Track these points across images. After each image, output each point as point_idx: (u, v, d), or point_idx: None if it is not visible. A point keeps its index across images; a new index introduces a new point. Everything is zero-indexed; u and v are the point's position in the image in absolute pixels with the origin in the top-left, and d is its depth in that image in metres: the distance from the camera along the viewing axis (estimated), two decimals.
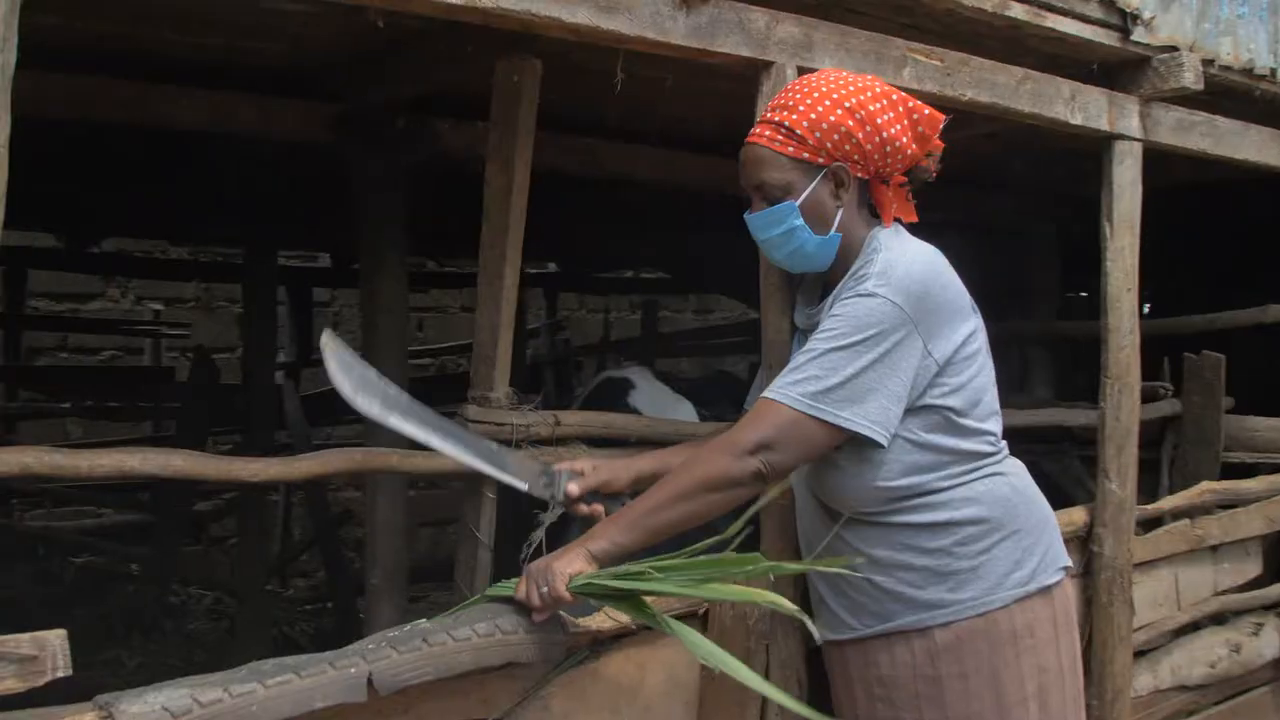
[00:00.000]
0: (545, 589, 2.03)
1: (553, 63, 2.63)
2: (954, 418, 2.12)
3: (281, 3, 2.72)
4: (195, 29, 3.08)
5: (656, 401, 3.59)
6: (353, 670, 1.94)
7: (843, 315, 2.06)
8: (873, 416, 2.04)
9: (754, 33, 2.36)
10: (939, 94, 2.66)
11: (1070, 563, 2.28)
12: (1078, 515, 3.14)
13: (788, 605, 1.91)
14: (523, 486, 2.37)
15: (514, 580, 2.15)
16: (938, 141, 2.23)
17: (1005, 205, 5.17)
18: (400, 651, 2.00)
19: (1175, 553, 3.52)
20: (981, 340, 2.18)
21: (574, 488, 2.29)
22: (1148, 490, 4.16)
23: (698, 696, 2.42)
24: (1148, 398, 4.24)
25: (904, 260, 2.10)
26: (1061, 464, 4.80)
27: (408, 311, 3.73)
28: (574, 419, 2.84)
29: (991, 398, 2.19)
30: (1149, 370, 4.40)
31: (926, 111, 2.17)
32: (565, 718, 2.27)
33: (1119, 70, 3.13)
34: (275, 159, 4.40)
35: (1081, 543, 3.15)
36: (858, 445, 2.09)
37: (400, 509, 3.59)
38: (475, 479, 2.78)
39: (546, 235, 6.20)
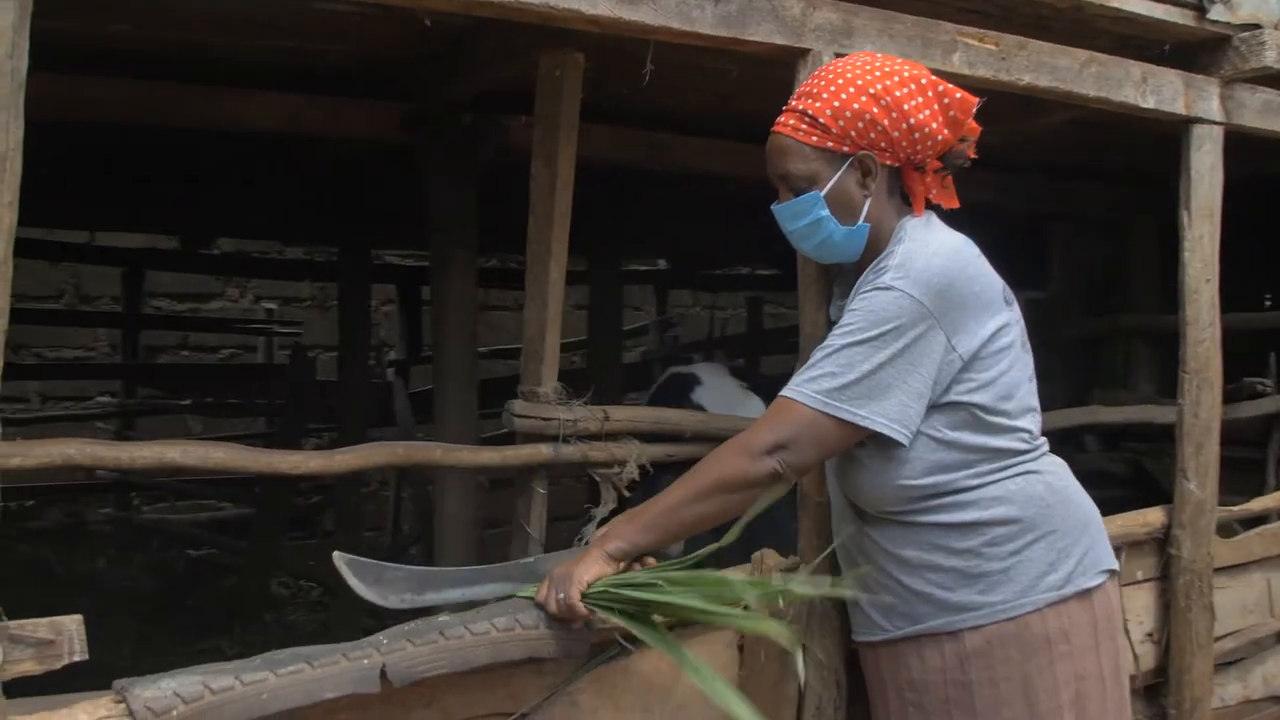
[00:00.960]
0: (562, 596, 2.02)
1: (628, 55, 2.60)
2: (982, 415, 2.04)
3: (330, 4, 2.75)
4: (266, 34, 3.15)
5: (723, 397, 3.56)
6: (365, 661, 1.96)
7: (860, 310, 2.01)
8: (892, 414, 1.98)
9: (788, 20, 2.31)
10: (993, 79, 2.57)
11: (1115, 565, 2.17)
12: (1154, 516, 3.00)
13: (789, 637, 1.89)
14: None
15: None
16: (973, 125, 2.15)
17: (1102, 195, 4.97)
18: (416, 644, 2.01)
19: (1268, 556, 3.35)
20: (1015, 334, 2.10)
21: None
22: (1253, 491, 3.97)
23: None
24: (1249, 395, 4.06)
25: (925, 252, 2.03)
26: (1162, 463, 4.61)
27: (476, 309, 3.74)
28: (624, 414, 2.82)
29: (1027, 393, 2.11)
30: (1254, 367, 4.22)
31: (958, 95, 2.09)
32: (593, 714, 2.26)
33: (1196, 51, 2.98)
34: (365, 159, 4.50)
35: (1159, 545, 3.02)
36: (881, 443, 2.03)
37: (469, 504, 3.63)
38: (527, 473, 2.79)
39: (658, 232, 6.26)
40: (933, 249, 2.04)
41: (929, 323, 1.98)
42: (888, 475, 2.06)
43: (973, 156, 2.20)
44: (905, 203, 2.18)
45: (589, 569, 2.03)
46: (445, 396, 3.64)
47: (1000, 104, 3.42)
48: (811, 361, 2.02)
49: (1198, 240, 2.95)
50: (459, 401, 3.63)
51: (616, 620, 2.05)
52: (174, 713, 1.81)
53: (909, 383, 1.98)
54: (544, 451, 2.71)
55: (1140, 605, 3.02)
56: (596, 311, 6.11)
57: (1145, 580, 3.02)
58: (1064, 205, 4.86)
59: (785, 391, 2.02)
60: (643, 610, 2.04)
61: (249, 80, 3.27)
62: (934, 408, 2.03)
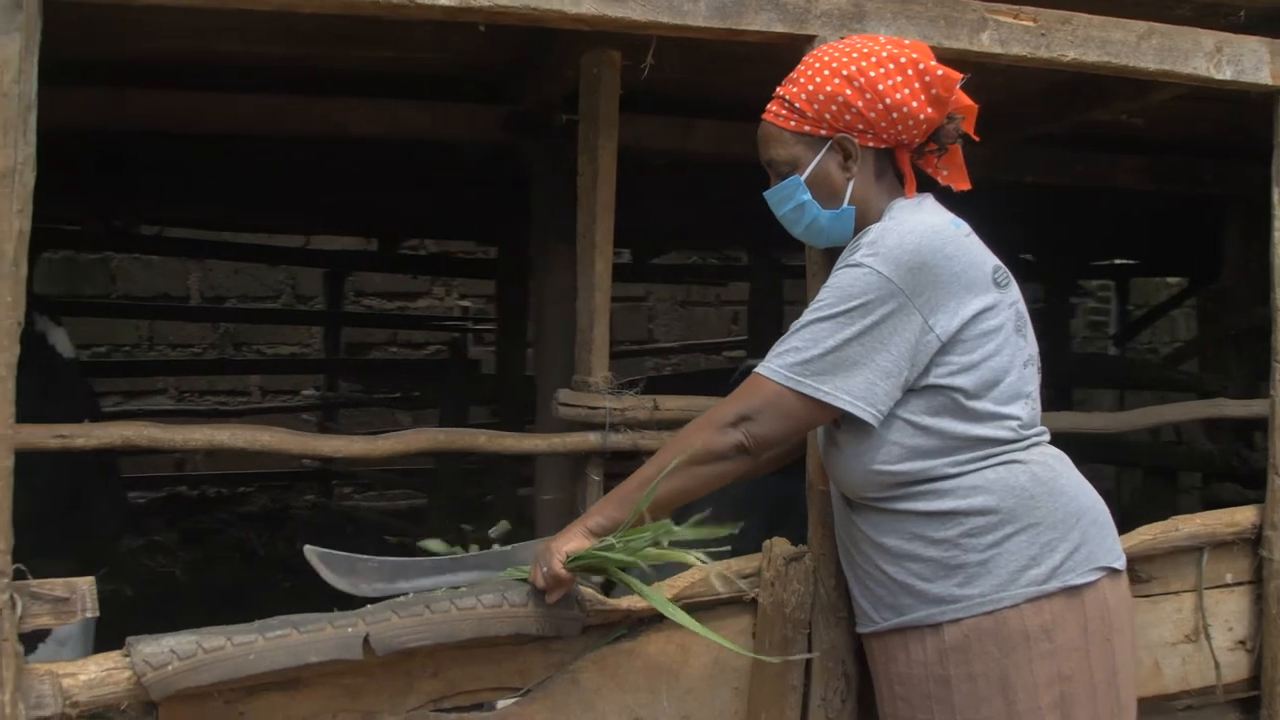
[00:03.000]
0: (545, 569, 2.10)
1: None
2: (963, 400, 1.99)
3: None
4: (368, 46, 3.35)
5: None
6: (350, 630, 2.09)
7: (830, 286, 2.00)
8: (856, 391, 1.96)
9: (791, 7, 2.30)
10: (1031, 57, 2.48)
11: (1116, 563, 2.06)
12: (1243, 515, 2.81)
13: (690, 559, 1.98)
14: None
15: None
16: (965, 101, 2.09)
17: (1205, 171, 4.62)
18: (401, 616, 2.13)
19: None
20: (1005, 317, 2.02)
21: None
22: None
23: (748, 683, 2.40)
24: None
25: (899, 230, 2.00)
26: None
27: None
28: (675, 403, 2.87)
29: (1017, 379, 2.03)
30: None
31: (940, 72, 2.04)
32: (595, 693, 2.32)
33: (1274, 19, 2.77)
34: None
35: (1250, 546, 2.82)
36: (855, 425, 2.02)
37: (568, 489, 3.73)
38: (579, 461, 2.88)
39: None
40: (907, 227, 2.00)
41: (899, 300, 1.95)
42: (863, 459, 2.04)
43: (972, 135, 2.15)
44: (902, 184, 2.15)
45: (569, 541, 2.09)
46: (546, 388, 3.75)
47: (1102, 85, 3.29)
48: (783, 337, 2.03)
49: None
50: None
51: (595, 580, 2.12)
52: (169, 667, 1.99)
53: (876, 360, 1.96)
54: (591, 439, 2.79)
55: (1230, 610, 2.83)
56: (755, 307, 6.13)
57: (1236, 584, 2.83)
58: (1221, 189, 4.56)
59: (759, 367, 2.03)
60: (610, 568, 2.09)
61: (344, 89, 3.47)
62: (913, 391, 2.00)
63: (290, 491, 7.68)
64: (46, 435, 2.27)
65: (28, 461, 3.03)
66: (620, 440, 2.79)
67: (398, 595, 2.25)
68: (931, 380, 1.99)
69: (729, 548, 2.13)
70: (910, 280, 1.95)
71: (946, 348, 1.98)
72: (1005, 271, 2.06)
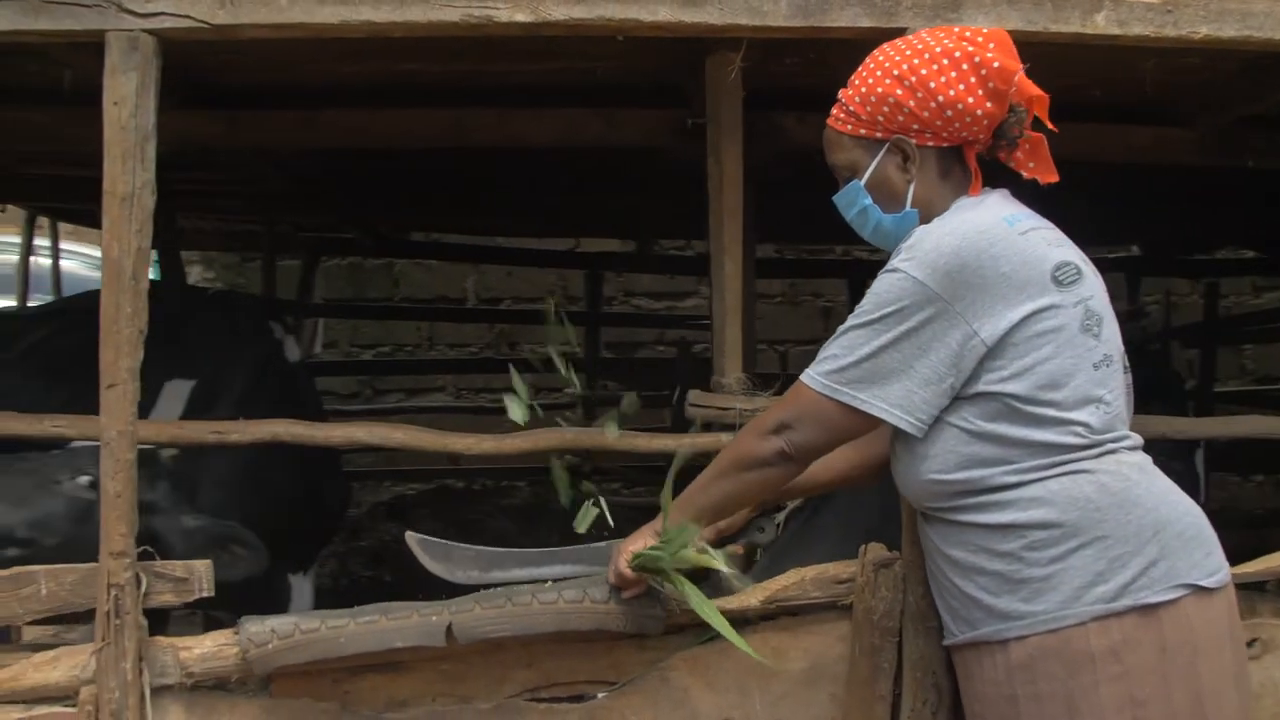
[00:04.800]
0: (614, 567, 2.18)
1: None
2: (1018, 405, 1.88)
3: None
4: (542, 59, 3.50)
5: None
6: (434, 619, 2.22)
7: (870, 292, 1.96)
8: (893, 399, 1.91)
9: (878, 0, 2.25)
10: (1156, 36, 2.30)
11: (1208, 581, 1.88)
12: None
13: (718, 563, 2.05)
14: None
15: None
16: (1030, 91, 1.98)
17: None
18: (484, 607, 2.24)
19: None
20: (1067, 317, 1.90)
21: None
22: None
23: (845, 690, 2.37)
24: None
25: (938, 232, 1.92)
26: None
27: (754, 301, 3.88)
28: None
29: (1086, 382, 1.90)
30: None
31: (996, 65, 1.94)
32: (684, 691, 2.36)
33: None
34: None
35: None
36: (904, 434, 1.96)
37: None
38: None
39: (1126, 219, 5.95)
40: (948, 228, 1.92)
41: (938, 306, 1.88)
42: (918, 468, 1.98)
43: (1048, 124, 2.03)
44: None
45: (635, 541, 2.18)
46: None
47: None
48: (826, 343, 2.00)
49: None
50: None
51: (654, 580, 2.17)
52: (269, 645, 2.19)
53: (915, 368, 1.90)
54: (723, 440, 2.80)
55: None
56: None
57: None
58: None
59: (802, 374, 2.01)
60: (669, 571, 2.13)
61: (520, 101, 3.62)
62: (963, 399, 1.92)
63: (550, 486, 7.98)
64: (163, 431, 2.51)
65: (278, 461, 3.40)
66: None
67: (492, 585, 2.37)
68: (981, 387, 1.91)
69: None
70: (948, 284, 1.88)
71: (994, 352, 1.89)
72: (1074, 267, 1.94)
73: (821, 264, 8.58)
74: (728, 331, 2.83)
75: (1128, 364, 2.04)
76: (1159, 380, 4.18)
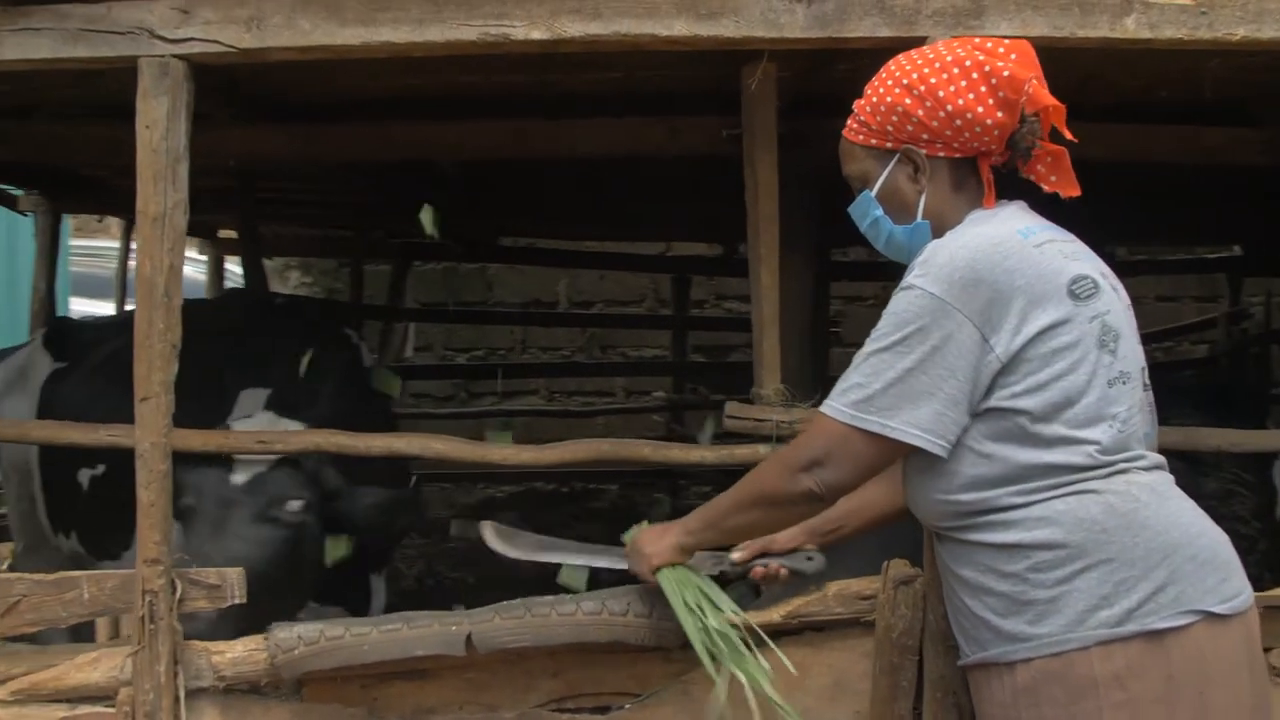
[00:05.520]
0: (640, 568, 2.20)
1: None
2: (1029, 425, 1.84)
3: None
4: (597, 69, 3.52)
5: None
6: (454, 628, 2.26)
7: (887, 313, 1.91)
8: (924, 424, 1.86)
9: (897, 9, 2.22)
10: (1190, 39, 2.23)
11: (1223, 609, 1.81)
12: None
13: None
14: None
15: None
16: (1044, 101, 1.93)
17: None
18: (503, 617, 2.28)
19: None
20: (1083, 332, 1.85)
21: (738, 555, 2.30)
22: None
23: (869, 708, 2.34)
24: None
25: (952, 245, 1.88)
26: None
27: (809, 308, 3.84)
28: None
29: (1098, 400, 1.85)
30: None
31: (1006, 74, 1.89)
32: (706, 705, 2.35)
33: None
34: None
35: None
36: (921, 453, 1.92)
37: None
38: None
39: (1227, 219, 5.79)
40: (961, 241, 1.89)
41: (957, 321, 1.84)
42: (928, 489, 1.95)
43: (1065, 134, 1.98)
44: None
45: (660, 555, 2.18)
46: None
47: None
48: (847, 370, 1.97)
49: None
50: None
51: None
52: (296, 651, 2.25)
53: (944, 389, 1.85)
54: (761, 451, 2.79)
55: None
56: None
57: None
58: None
59: (824, 405, 1.98)
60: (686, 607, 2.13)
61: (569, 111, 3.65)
62: (974, 416, 1.88)
63: (637, 489, 8.02)
64: (208, 440, 2.59)
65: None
66: None
67: (544, 562, 2.47)
68: (993, 403, 1.86)
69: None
70: (965, 297, 1.84)
71: (1009, 368, 1.85)
72: (1090, 281, 1.89)
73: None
74: (765, 343, 2.82)
75: (1148, 382, 1.98)
76: (1231, 390, 4.04)
